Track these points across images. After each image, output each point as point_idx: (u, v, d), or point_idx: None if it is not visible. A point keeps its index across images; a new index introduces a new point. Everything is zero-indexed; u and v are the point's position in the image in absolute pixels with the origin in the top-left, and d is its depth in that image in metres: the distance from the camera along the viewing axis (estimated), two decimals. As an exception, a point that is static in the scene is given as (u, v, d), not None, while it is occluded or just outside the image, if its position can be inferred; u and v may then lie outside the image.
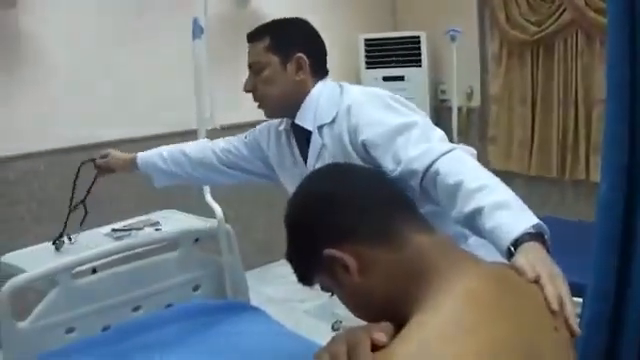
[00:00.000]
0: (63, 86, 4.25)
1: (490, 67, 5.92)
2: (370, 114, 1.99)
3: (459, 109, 5.79)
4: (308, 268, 1.21)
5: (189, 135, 3.50)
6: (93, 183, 2.87)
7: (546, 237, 1.50)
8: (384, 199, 1.18)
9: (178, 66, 3.78)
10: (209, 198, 3.12)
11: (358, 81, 6.11)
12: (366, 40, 6.07)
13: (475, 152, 1.90)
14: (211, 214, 3.09)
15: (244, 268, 3.24)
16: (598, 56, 5.02)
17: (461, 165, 1.76)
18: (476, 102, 6.04)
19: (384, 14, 6.54)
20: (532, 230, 1.49)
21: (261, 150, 2.45)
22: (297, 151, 2.23)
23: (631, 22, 2.25)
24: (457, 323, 0.99)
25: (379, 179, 1.24)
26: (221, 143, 2.61)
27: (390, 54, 6.04)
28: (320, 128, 2.12)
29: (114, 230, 3.11)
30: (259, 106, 2.25)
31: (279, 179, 2.39)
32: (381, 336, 1.03)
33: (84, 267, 2.73)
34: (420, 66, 5.98)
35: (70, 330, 2.62)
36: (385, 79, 6.01)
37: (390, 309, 1.10)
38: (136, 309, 2.83)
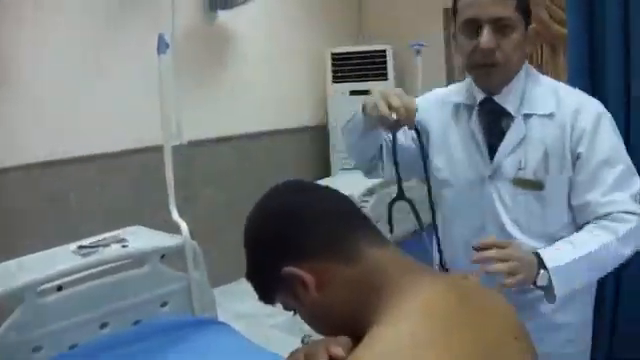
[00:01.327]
0: (31, 102, 4.21)
1: (456, 79, 5.96)
2: (603, 128, 1.87)
3: (426, 122, 5.80)
4: (268, 286, 1.20)
5: (155, 151, 3.50)
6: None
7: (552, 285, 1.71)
8: (341, 215, 1.18)
9: (145, 81, 3.76)
10: (175, 215, 3.11)
11: (325, 96, 6.14)
12: (333, 54, 6.10)
13: None
14: (178, 230, 3.08)
15: (214, 284, 3.23)
16: (562, 67, 5.08)
17: (619, 225, 1.80)
18: (442, 115, 6.08)
19: (351, 28, 6.59)
20: (548, 265, 1.71)
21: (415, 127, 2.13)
22: (480, 136, 1.96)
23: (590, 33, 2.29)
24: (415, 336, 0.99)
25: (336, 196, 1.23)
26: None
27: (356, 68, 6.08)
28: (528, 117, 1.90)
29: (80, 247, 3.07)
30: (489, 67, 1.87)
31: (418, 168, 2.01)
32: (339, 350, 1.05)
33: (50, 285, 2.69)
34: (386, 79, 6.02)
35: (37, 349, 2.58)
36: (352, 93, 6.04)
37: (350, 324, 1.10)
38: (103, 326, 2.80)
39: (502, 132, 1.92)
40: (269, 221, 1.19)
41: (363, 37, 6.62)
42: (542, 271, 1.71)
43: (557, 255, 1.75)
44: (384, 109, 1.69)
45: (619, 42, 2.25)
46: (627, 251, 1.81)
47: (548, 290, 1.74)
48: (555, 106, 1.88)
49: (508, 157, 1.90)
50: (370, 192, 4.72)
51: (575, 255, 1.75)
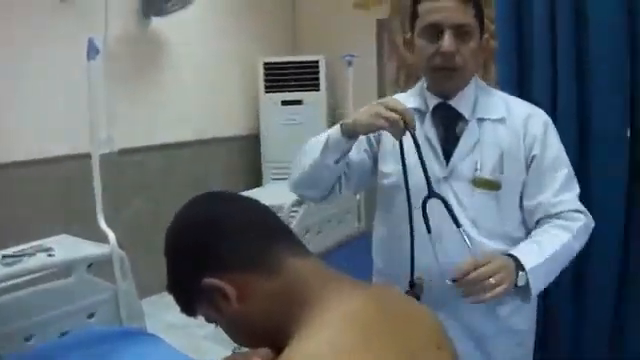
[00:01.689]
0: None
1: (388, 91, 6.00)
2: (550, 134, 1.99)
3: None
4: (189, 298, 1.18)
5: (84, 158, 3.43)
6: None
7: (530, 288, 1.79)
8: (263, 227, 1.17)
9: (76, 87, 3.68)
10: (103, 224, 3.06)
11: (257, 105, 6.13)
12: (265, 64, 6.08)
13: (593, 225, 1.99)
14: (106, 240, 3.04)
15: (144, 294, 3.19)
16: (493, 79, 5.18)
17: (572, 224, 1.92)
18: (374, 126, 6.11)
19: (285, 38, 6.60)
20: (526, 267, 1.78)
21: (369, 138, 2.11)
22: (435, 139, 1.99)
23: (519, 47, 2.34)
24: (334, 345, 0.99)
25: (258, 207, 1.22)
26: None
27: (289, 78, 6.07)
28: (481, 121, 1.97)
29: (4, 256, 3.00)
30: (449, 71, 1.92)
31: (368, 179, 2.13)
32: None
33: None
34: (318, 90, 6.05)
35: (-44, 362, 2.51)
36: (284, 103, 6.05)
37: (271, 335, 1.10)
38: (28, 339, 2.74)
39: (456, 137, 1.98)
40: (189, 231, 1.17)
41: (297, 47, 6.63)
42: (520, 273, 1.78)
43: (530, 257, 1.82)
44: (393, 115, 1.72)
45: (546, 55, 2.31)
46: (578, 247, 1.93)
47: (525, 291, 1.81)
48: (506, 112, 1.98)
49: (464, 160, 1.95)
50: (299, 202, 4.72)
51: (544, 255, 1.83)
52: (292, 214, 4.63)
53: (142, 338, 2.82)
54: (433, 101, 2.01)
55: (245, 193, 4.58)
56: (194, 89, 5.61)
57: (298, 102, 6.05)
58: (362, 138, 2.05)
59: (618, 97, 2.24)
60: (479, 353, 1.97)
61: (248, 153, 6.24)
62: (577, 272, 2.42)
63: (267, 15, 6.36)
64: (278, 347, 1.04)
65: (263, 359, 1.06)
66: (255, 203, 1.23)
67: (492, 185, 1.91)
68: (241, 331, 1.16)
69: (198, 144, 5.68)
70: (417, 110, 2.03)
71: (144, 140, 5.10)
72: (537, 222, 1.96)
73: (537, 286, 1.81)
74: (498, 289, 1.71)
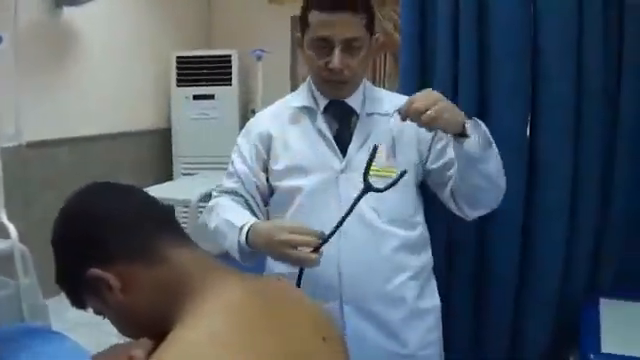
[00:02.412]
0: None
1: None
2: None
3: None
4: (76, 290, 1.17)
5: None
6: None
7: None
8: (147, 217, 1.17)
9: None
10: (4, 217, 2.98)
11: (168, 99, 6.07)
12: (178, 57, 6.03)
13: None
14: (8, 235, 2.96)
15: (53, 292, 3.11)
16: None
17: None
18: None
19: (199, 31, 6.56)
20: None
21: (258, 152, 2.11)
22: (329, 133, 2.01)
23: (422, 44, 2.38)
24: (214, 335, 1.00)
25: (143, 198, 1.22)
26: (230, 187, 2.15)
27: (201, 72, 6.04)
28: (370, 115, 2.03)
29: None
30: (337, 84, 1.97)
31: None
32: (138, 353, 1.04)
33: None
34: (231, 85, 6.03)
35: None
36: (195, 97, 6.02)
37: (158, 326, 1.09)
38: None
39: (349, 132, 2.02)
40: (73, 223, 1.17)
41: (211, 41, 6.60)
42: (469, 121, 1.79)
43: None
44: (295, 254, 1.70)
45: (449, 53, 2.34)
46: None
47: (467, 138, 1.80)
48: (391, 108, 1.97)
49: (359, 151, 1.97)
50: (208, 197, 4.70)
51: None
52: (200, 209, 4.60)
53: (48, 336, 2.76)
54: (323, 101, 2.05)
55: (155, 187, 4.51)
56: (105, 81, 5.51)
57: (210, 97, 6.02)
58: (255, 168, 2.10)
59: (519, 96, 2.28)
60: (393, 342, 1.99)
61: (159, 147, 6.18)
62: (477, 273, 2.47)
63: (182, 8, 6.31)
64: (164, 338, 1.04)
65: (143, 349, 1.06)
66: (143, 195, 1.23)
67: (388, 170, 1.93)
68: (127, 322, 1.16)
69: (109, 138, 5.58)
70: (307, 108, 2.07)
71: (53, 133, 4.97)
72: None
73: (479, 134, 1.80)
74: (432, 117, 1.72)
